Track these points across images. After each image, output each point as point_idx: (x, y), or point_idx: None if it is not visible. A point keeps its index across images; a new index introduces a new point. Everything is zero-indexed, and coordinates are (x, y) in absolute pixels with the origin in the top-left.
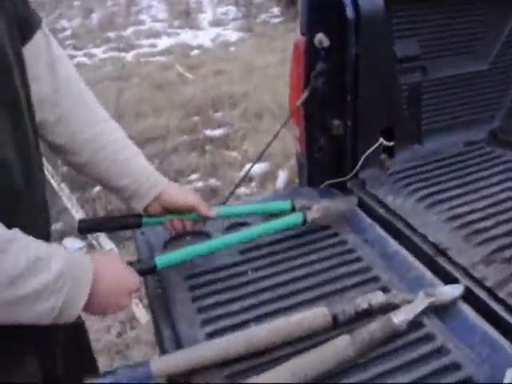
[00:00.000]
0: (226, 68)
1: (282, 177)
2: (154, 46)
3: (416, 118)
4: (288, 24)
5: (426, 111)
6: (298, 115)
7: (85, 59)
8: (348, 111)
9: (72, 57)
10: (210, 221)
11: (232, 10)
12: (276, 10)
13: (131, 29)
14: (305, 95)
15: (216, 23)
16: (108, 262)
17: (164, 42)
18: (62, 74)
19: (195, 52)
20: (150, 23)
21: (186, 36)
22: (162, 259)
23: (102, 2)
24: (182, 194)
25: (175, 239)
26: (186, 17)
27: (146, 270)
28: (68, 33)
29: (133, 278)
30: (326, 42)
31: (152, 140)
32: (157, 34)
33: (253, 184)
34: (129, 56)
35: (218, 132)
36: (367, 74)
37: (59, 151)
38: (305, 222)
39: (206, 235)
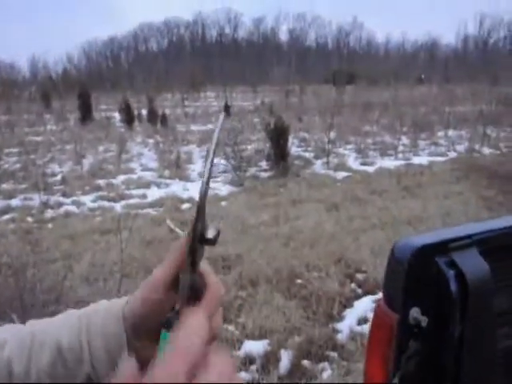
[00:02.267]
0: (219, 226)
1: (286, 358)
2: (144, 196)
3: None
4: (278, 179)
5: None
6: None
7: (73, 208)
8: None
9: (60, 204)
10: None
11: (221, 163)
12: (265, 164)
13: (121, 177)
14: (394, 382)
15: None
16: None
17: (154, 193)
18: None
19: (186, 205)
20: (140, 172)
21: (177, 187)
22: None
23: (93, 147)
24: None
25: None
26: (175, 167)
27: None
28: (58, 178)
29: None
30: (424, 322)
31: None
32: (147, 185)
33: (253, 367)
34: (118, 206)
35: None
36: (471, 355)
37: None
38: None
39: None
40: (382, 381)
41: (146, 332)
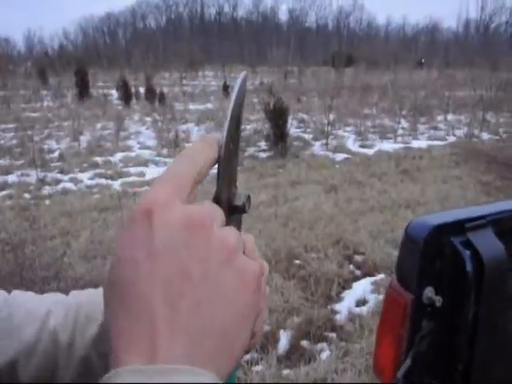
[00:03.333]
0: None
1: (285, 339)
2: (142, 174)
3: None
4: (276, 160)
5: None
6: (389, 376)
7: (71, 185)
8: (457, 380)
9: (58, 181)
10: None
11: None
12: (264, 145)
13: (119, 155)
14: (407, 363)
15: None
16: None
17: (152, 171)
18: None
19: None
20: (138, 150)
21: None
22: None
23: (91, 124)
24: None
25: None
26: (174, 146)
27: None
28: (55, 155)
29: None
30: (439, 302)
31: None
32: (145, 163)
33: None
34: (116, 184)
35: None
36: (485, 336)
37: None
38: None
39: None
40: (393, 360)
41: None
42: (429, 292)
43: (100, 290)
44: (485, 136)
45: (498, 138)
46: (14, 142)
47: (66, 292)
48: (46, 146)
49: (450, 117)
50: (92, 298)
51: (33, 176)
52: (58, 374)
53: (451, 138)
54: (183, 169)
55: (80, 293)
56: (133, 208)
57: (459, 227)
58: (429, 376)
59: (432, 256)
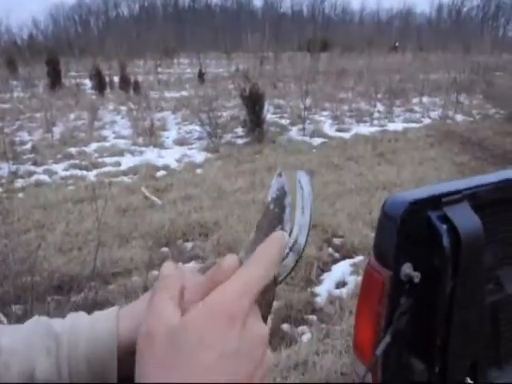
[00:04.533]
0: (194, 192)
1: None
2: (117, 164)
3: (495, 342)
4: (253, 145)
5: (505, 333)
6: (369, 355)
7: (45, 177)
8: (435, 355)
9: (31, 173)
10: None
11: (196, 129)
12: (240, 131)
13: (94, 145)
14: (386, 340)
15: (180, 142)
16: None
17: (128, 161)
18: None
19: (161, 173)
20: (113, 140)
21: (151, 155)
22: None
23: (64, 115)
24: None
25: None
26: (149, 135)
27: None
28: (28, 146)
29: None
30: (417, 278)
31: (117, 276)
32: (120, 152)
33: None
34: (91, 175)
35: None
36: (463, 311)
37: None
38: None
39: None
40: (372, 339)
41: None
42: (407, 268)
43: (25, 331)
44: (459, 118)
45: (471, 119)
46: None
47: (43, 285)
48: (17, 138)
49: (424, 99)
50: (14, 343)
51: (4, 169)
52: None
53: (426, 120)
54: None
55: (2, 329)
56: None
57: (436, 202)
58: (408, 352)
59: (409, 232)
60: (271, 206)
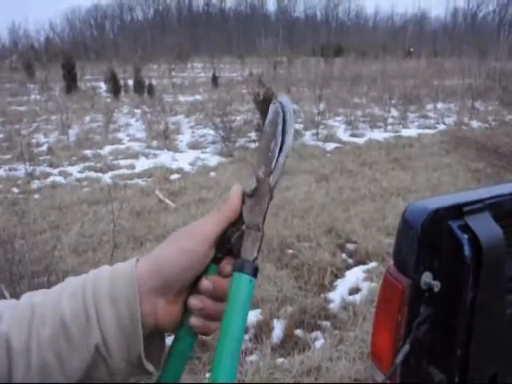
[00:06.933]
0: (208, 196)
1: (279, 328)
2: (132, 167)
3: None
4: None
5: None
6: (387, 363)
7: (61, 178)
8: (455, 365)
9: (47, 175)
10: None
11: (210, 133)
12: (254, 135)
13: (109, 148)
14: (405, 349)
15: (194, 146)
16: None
17: (142, 163)
18: None
19: (175, 176)
20: (127, 142)
21: (165, 158)
22: None
23: (79, 117)
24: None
25: None
26: (164, 138)
27: None
28: (44, 148)
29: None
30: (436, 287)
31: None
32: (135, 155)
33: (246, 336)
34: (106, 177)
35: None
36: (483, 321)
37: None
38: None
39: None
40: (391, 347)
41: (181, 284)
42: (426, 277)
43: (56, 287)
44: (474, 124)
45: (487, 125)
46: (1, 136)
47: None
48: (34, 140)
49: (439, 105)
50: (46, 298)
51: (21, 170)
52: (16, 379)
53: (441, 127)
54: None
55: (33, 294)
56: None
57: (457, 211)
58: (427, 362)
59: (429, 241)
60: (267, 129)
